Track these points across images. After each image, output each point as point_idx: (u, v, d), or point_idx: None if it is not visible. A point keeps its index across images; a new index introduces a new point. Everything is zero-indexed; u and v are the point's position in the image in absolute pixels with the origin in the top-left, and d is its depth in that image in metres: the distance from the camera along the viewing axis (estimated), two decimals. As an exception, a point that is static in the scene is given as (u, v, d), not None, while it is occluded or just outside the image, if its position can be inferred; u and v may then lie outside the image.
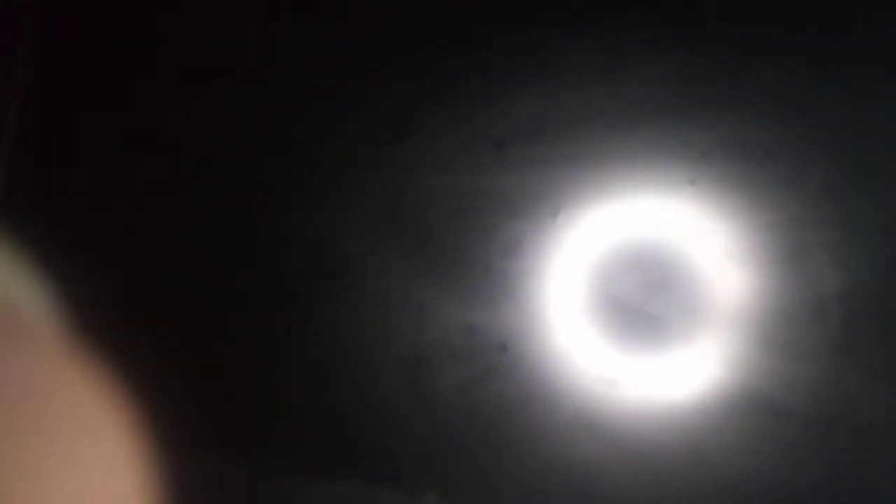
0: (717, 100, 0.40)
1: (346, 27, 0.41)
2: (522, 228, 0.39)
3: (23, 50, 0.40)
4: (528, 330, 0.39)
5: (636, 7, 0.40)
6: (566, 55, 0.40)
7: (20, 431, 0.17)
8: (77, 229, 0.39)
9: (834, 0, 0.39)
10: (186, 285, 0.40)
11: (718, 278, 0.39)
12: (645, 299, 0.39)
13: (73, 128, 0.41)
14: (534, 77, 0.40)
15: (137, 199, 0.40)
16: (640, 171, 0.39)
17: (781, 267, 0.39)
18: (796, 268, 0.39)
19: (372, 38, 0.41)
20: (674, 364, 0.38)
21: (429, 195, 0.40)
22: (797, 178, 0.39)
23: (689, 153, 0.39)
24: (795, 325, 0.38)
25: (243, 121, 0.41)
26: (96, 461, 0.18)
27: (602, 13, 0.40)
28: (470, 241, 0.39)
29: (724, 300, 0.39)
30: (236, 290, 0.40)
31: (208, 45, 0.41)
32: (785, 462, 0.37)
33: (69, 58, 0.41)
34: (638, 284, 0.39)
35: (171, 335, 0.39)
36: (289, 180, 0.40)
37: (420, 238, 0.40)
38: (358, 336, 0.39)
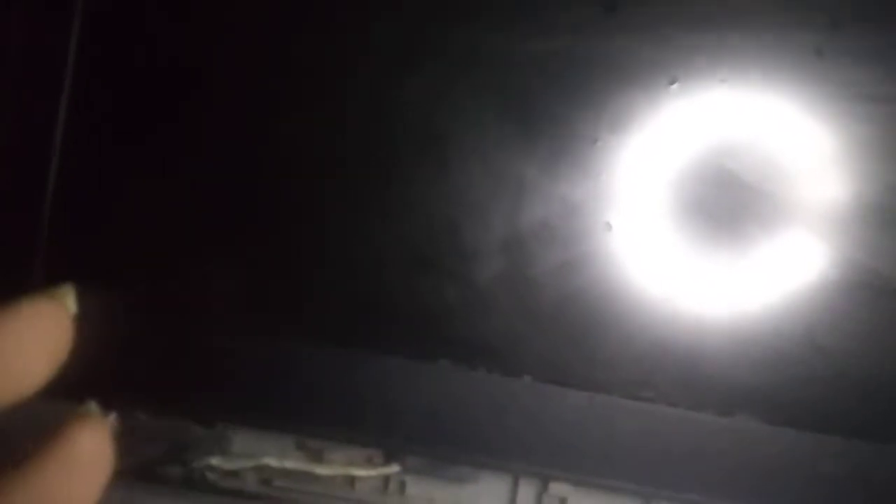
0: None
1: None
2: (634, 99, 0.36)
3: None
4: (636, 208, 0.37)
5: None
6: None
7: None
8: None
9: None
10: (281, 158, 0.37)
11: (841, 156, 0.36)
12: (763, 176, 0.36)
13: None
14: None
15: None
16: (763, 38, 0.36)
17: (909, 146, 0.36)
18: (925, 145, 0.36)
19: None
20: (791, 245, 0.36)
21: (533, 61, 0.36)
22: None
23: (817, 20, 0.36)
24: (921, 208, 0.36)
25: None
26: None
27: None
28: (576, 111, 0.36)
29: (846, 179, 0.36)
30: (330, 163, 0.37)
31: None
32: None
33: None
34: (756, 160, 0.36)
35: (262, 211, 0.37)
36: (386, 48, 0.36)
37: (522, 108, 0.36)
38: (454, 214, 0.36)
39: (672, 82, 0.36)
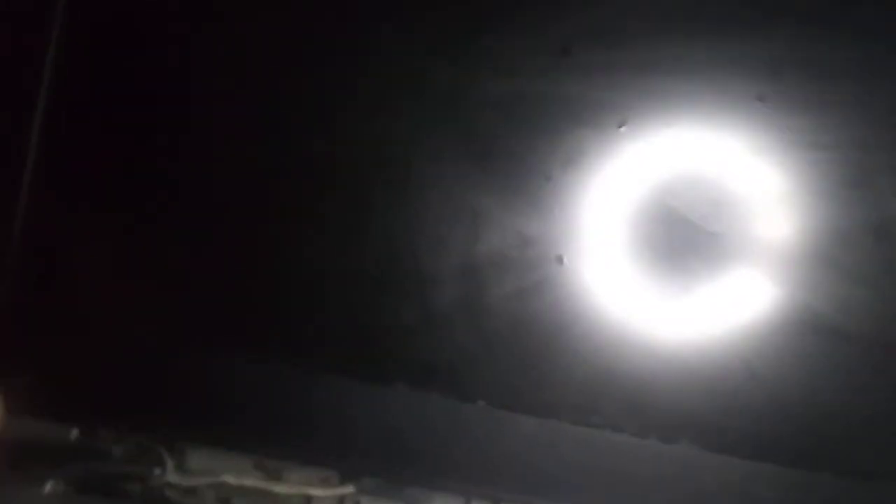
0: (791, 13, 0.38)
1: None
2: (585, 139, 0.38)
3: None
4: (586, 243, 0.38)
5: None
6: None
7: None
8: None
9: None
10: (243, 182, 0.38)
11: (781, 198, 0.38)
12: (706, 215, 0.38)
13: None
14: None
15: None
16: (709, 83, 0.38)
17: (844, 189, 0.38)
18: (859, 190, 0.38)
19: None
20: (732, 282, 0.38)
21: (491, 102, 0.38)
22: (866, 99, 0.38)
23: (759, 68, 0.38)
24: (855, 248, 0.38)
25: (302, 19, 0.38)
26: None
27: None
28: (531, 148, 0.38)
29: (785, 220, 0.38)
30: (292, 188, 0.38)
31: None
32: (837, 382, 0.37)
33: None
34: (700, 200, 0.38)
35: (222, 235, 0.38)
36: (346, 81, 0.38)
37: (479, 144, 0.38)
38: (413, 243, 0.38)
39: (621, 124, 0.38)
